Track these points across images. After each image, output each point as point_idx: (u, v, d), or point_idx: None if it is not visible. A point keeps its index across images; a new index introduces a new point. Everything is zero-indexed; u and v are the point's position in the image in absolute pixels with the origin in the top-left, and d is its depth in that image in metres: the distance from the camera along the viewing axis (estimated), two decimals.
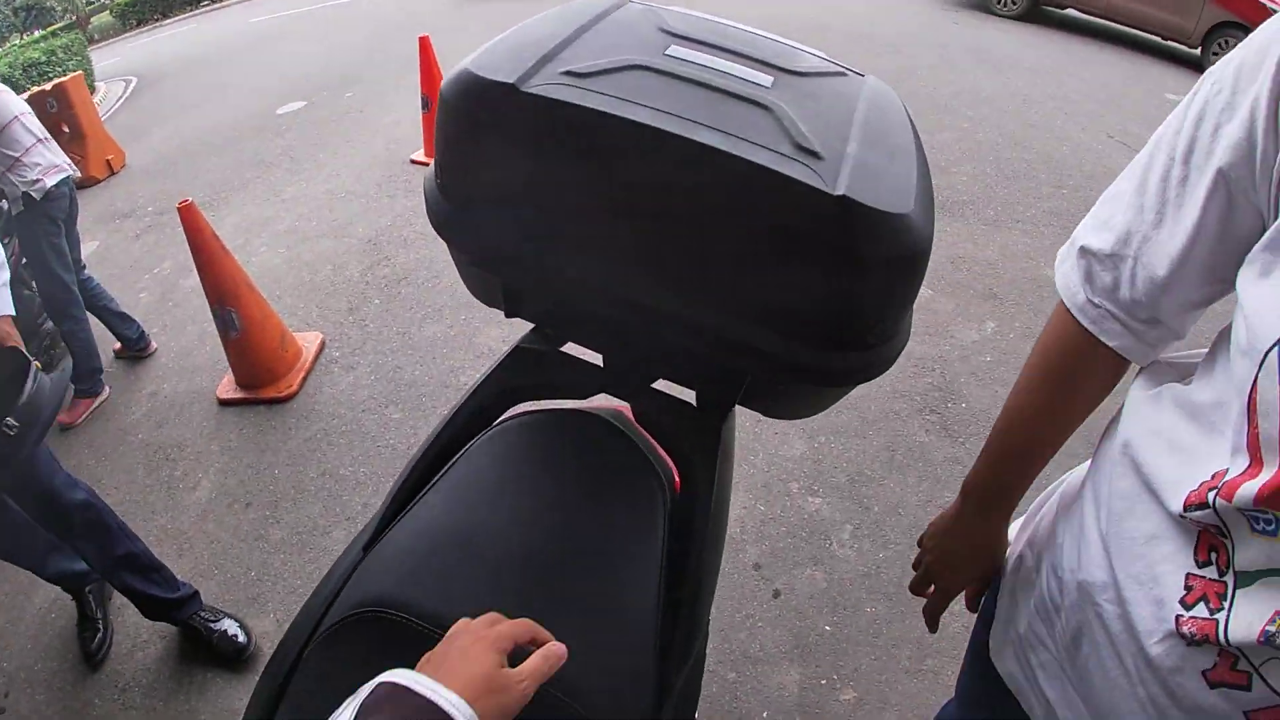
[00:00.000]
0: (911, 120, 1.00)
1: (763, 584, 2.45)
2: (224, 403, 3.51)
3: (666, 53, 0.98)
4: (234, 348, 3.40)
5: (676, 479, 1.19)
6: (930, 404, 3.13)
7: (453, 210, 1.01)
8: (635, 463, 1.10)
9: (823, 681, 2.17)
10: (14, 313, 1.75)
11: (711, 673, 2.20)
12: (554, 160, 0.91)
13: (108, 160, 8.43)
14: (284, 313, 3.73)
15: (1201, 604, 0.65)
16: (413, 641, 0.79)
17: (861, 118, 0.94)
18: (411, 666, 0.69)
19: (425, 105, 5.30)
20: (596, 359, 1.25)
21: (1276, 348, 0.56)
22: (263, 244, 4.83)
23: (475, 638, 0.72)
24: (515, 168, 0.94)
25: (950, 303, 3.72)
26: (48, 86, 8.52)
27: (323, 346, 3.66)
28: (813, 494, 2.75)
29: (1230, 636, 0.61)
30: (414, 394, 3.30)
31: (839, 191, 0.80)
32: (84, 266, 3.68)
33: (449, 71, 0.95)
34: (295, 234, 4.93)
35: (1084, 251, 0.82)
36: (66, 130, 8.42)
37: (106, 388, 3.70)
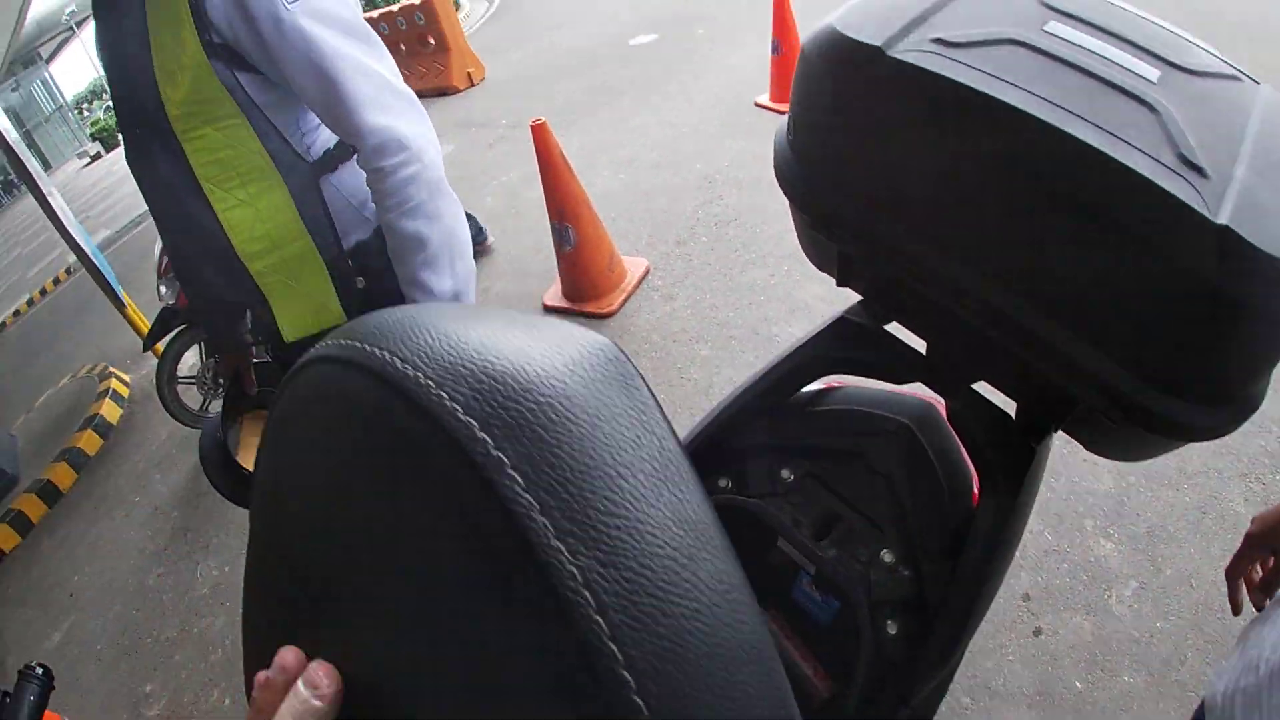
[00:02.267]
0: None
1: (1027, 617, 2.37)
2: (548, 308, 3.87)
3: (1045, 28, 0.89)
4: (565, 260, 3.72)
5: (976, 487, 1.13)
6: (1256, 470, 2.83)
7: (801, 169, 0.98)
8: None
9: None
10: None
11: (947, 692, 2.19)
12: (911, 133, 0.85)
13: (469, 73, 9.24)
14: (615, 235, 4.00)
15: None
16: None
17: (1254, 135, 0.82)
18: None
19: (775, 49, 5.27)
20: (919, 345, 1.18)
21: None
22: (604, 167, 5.20)
23: None
24: (871, 135, 0.90)
25: None
26: (416, 1, 9.31)
27: (647, 273, 3.91)
28: (1106, 537, 2.60)
29: None
30: (724, 334, 3.45)
31: (1221, 220, 0.70)
32: None
33: (813, 26, 0.92)
34: (636, 162, 5.23)
35: None
36: (432, 42, 9.31)
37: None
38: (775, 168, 1.03)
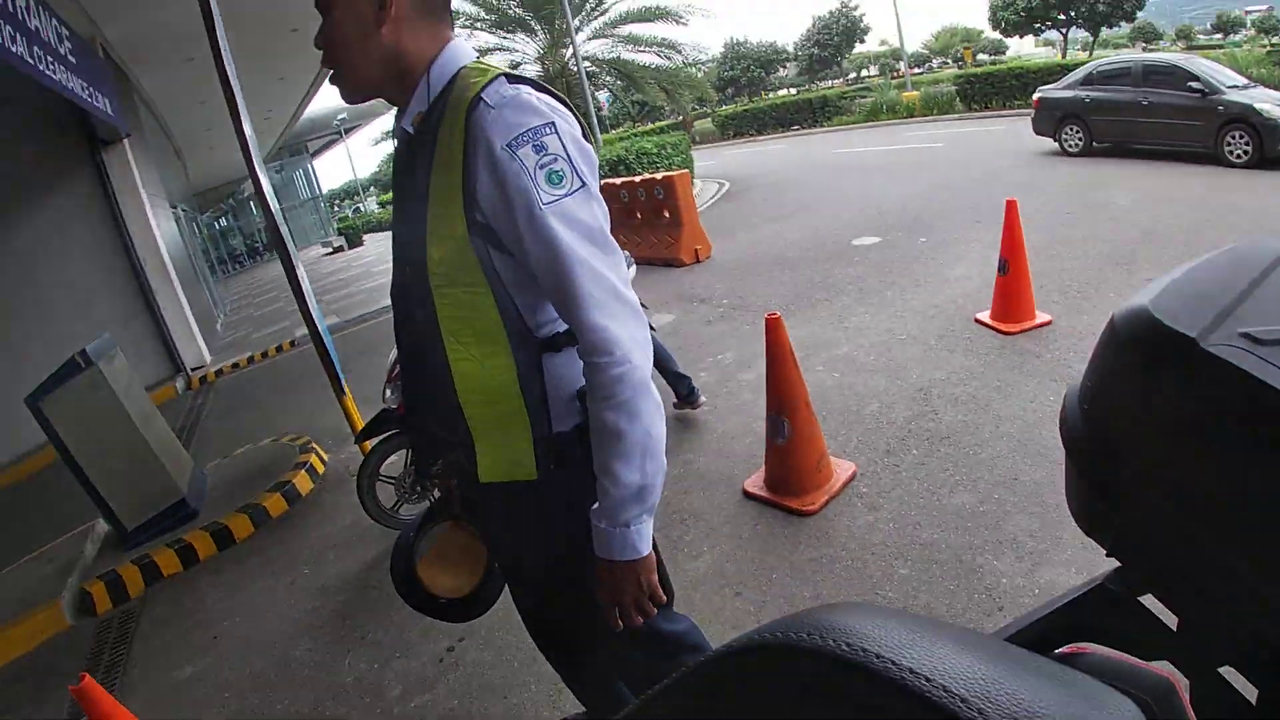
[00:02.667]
0: None
1: None
2: (747, 495, 3.83)
3: None
4: (775, 451, 3.69)
5: None
6: None
7: (1091, 437, 0.96)
8: None
9: None
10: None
11: None
12: (1219, 437, 0.81)
13: (696, 249, 9.77)
14: (825, 434, 3.95)
15: None
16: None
17: None
18: None
19: (1003, 268, 5.24)
20: (1170, 619, 1.09)
21: None
22: (819, 363, 5.22)
23: None
24: (1173, 425, 0.85)
25: None
26: (658, 176, 10.14)
27: (853, 477, 3.80)
28: None
29: None
30: (926, 556, 3.27)
31: None
32: (653, 328, 4.46)
33: (1124, 303, 0.90)
34: (851, 363, 5.23)
35: None
36: (667, 215, 10.01)
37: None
38: (1061, 421, 1.01)
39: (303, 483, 5.64)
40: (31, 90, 7.52)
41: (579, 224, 1.36)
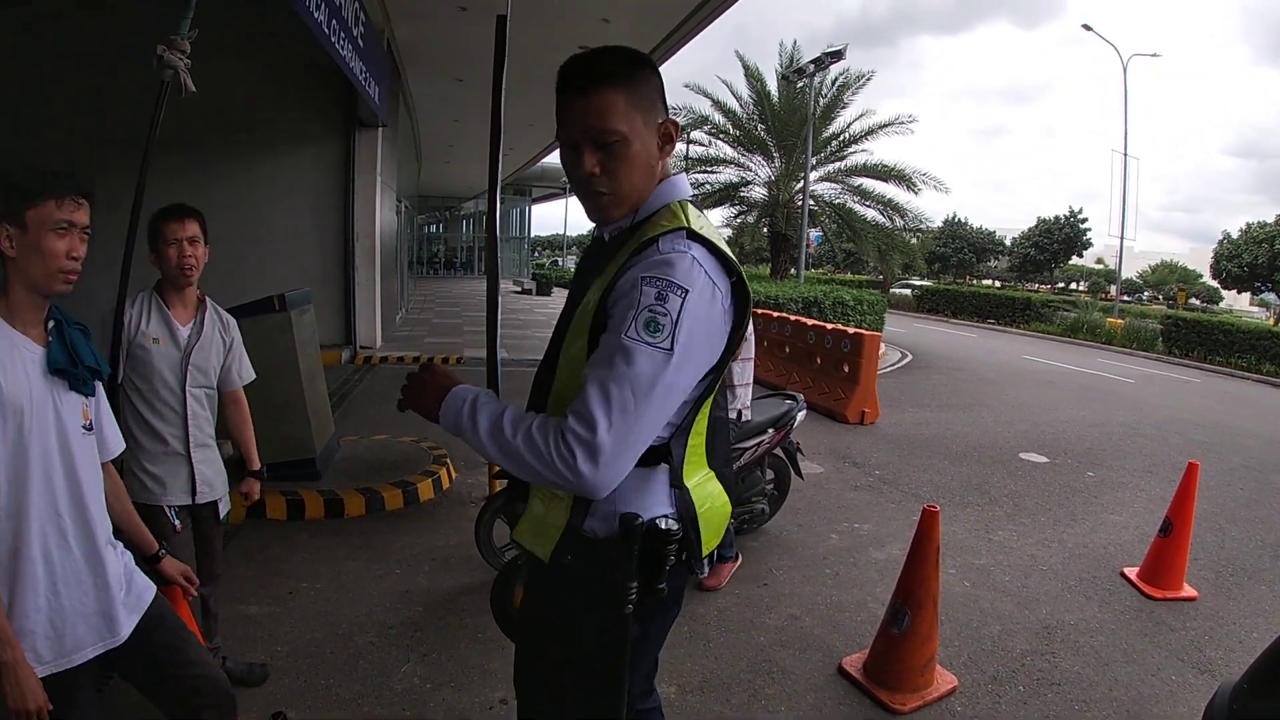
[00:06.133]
0: None
1: None
2: (843, 673, 3.84)
3: None
4: (887, 639, 3.71)
5: None
6: None
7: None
8: None
9: None
10: None
11: None
12: None
13: (863, 411, 9.83)
14: (939, 639, 3.95)
15: None
16: None
17: None
18: None
19: (1165, 529, 5.05)
20: None
21: None
22: (953, 567, 5.17)
23: None
24: None
25: None
26: (849, 329, 10.34)
27: (952, 691, 3.76)
28: None
29: None
30: None
31: None
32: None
33: None
34: (985, 576, 5.16)
35: None
36: (846, 370, 10.13)
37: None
38: (1207, 715, 1.08)
39: (425, 489, 5.90)
40: (315, 59, 8.43)
41: (642, 364, 1.45)
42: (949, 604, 4.58)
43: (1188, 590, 5.06)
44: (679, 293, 1.46)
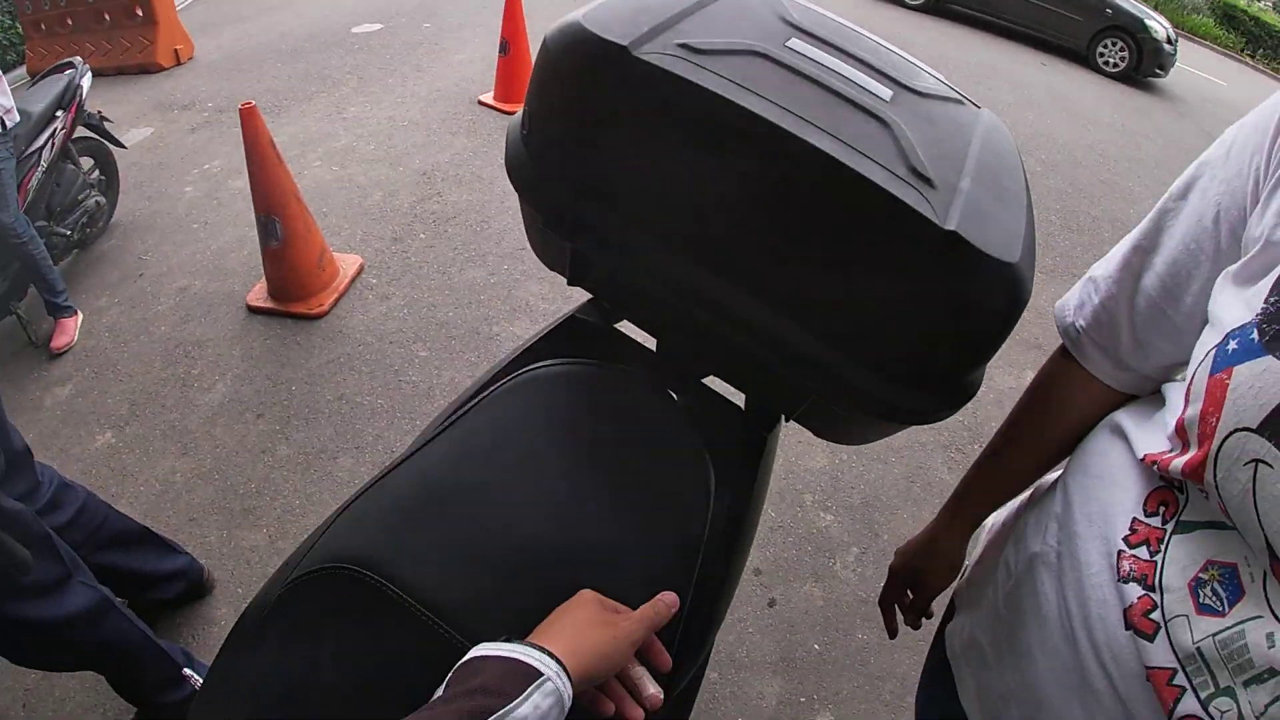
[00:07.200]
0: (1023, 166, 0.96)
1: (760, 591, 2.42)
2: (252, 309, 3.49)
3: (787, 44, 0.92)
4: (271, 257, 3.37)
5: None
6: (957, 442, 3.07)
7: (534, 164, 0.95)
8: (682, 430, 0.99)
9: (802, 699, 2.14)
10: None
11: None
12: (653, 134, 0.86)
13: (175, 50, 8.42)
14: (327, 231, 3.69)
15: (1143, 546, 0.70)
16: (385, 604, 0.76)
17: (976, 152, 0.90)
18: (380, 627, 0.73)
19: (504, 49, 5.20)
20: (649, 341, 1.21)
21: (1216, 348, 0.62)
22: (317, 159, 4.80)
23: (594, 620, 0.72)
24: (610, 134, 0.89)
25: None
26: None
27: (360, 271, 3.62)
28: (825, 510, 2.70)
29: (1165, 580, 0.66)
30: (444, 335, 3.27)
31: (949, 226, 0.76)
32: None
33: (558, 20, 0.89)
34: (351, 154, 4.89)
35: (1089, 280, 0.87)
36: (139, 14, 8.45)
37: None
38: (507, 161, 1.01)
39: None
40: None
41: None
42: (325, 194, 4.29)
43: None
44: None
